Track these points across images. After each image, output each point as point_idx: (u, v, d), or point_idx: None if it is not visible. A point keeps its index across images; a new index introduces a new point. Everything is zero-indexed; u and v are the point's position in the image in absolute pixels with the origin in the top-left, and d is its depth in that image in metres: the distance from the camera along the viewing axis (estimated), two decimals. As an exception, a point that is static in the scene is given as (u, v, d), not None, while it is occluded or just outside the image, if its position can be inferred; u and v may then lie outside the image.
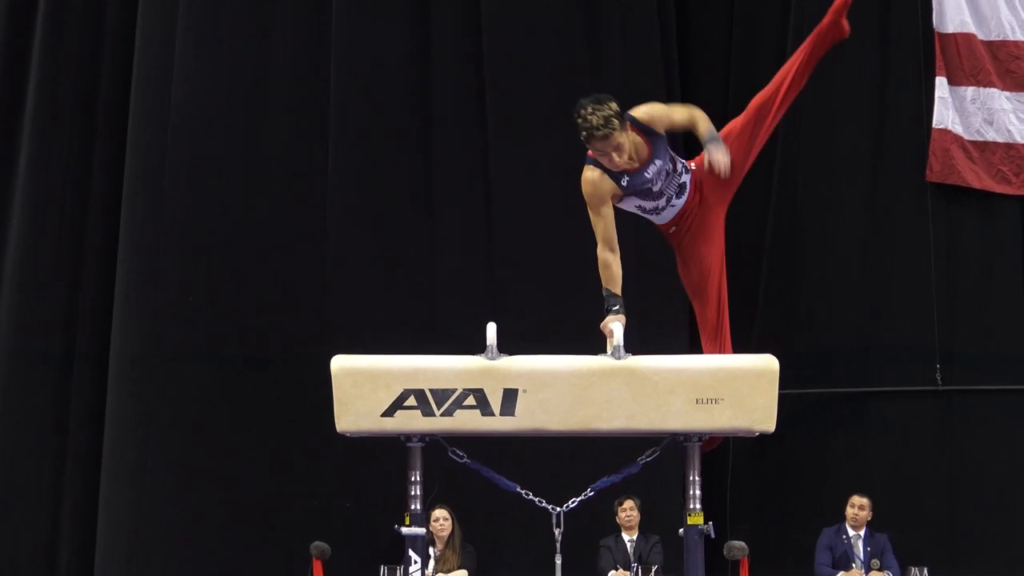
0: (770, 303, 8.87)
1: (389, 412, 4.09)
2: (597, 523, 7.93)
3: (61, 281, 8.60)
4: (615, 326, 4.20)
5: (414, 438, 4.18)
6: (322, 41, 8.65)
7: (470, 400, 4.08)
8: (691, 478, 4.25)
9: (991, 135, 8.84)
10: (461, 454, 4.26)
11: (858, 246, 8.90)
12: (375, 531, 7.81)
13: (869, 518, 8.14)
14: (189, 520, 8.28)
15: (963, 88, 8.82)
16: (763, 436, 4.21)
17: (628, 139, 4.31)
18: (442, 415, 4.08)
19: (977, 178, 8.80)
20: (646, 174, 4.38)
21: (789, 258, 8.93)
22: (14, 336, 8.51)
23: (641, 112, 4.40)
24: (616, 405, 4.09)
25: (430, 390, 4.08)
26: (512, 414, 4.08)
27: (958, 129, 8.81)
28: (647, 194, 4.41)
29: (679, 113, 4.50)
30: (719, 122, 8.99)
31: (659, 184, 4.40)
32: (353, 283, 8.53)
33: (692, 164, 4.51)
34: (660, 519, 7.91)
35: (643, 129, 4.38)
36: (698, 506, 4.23)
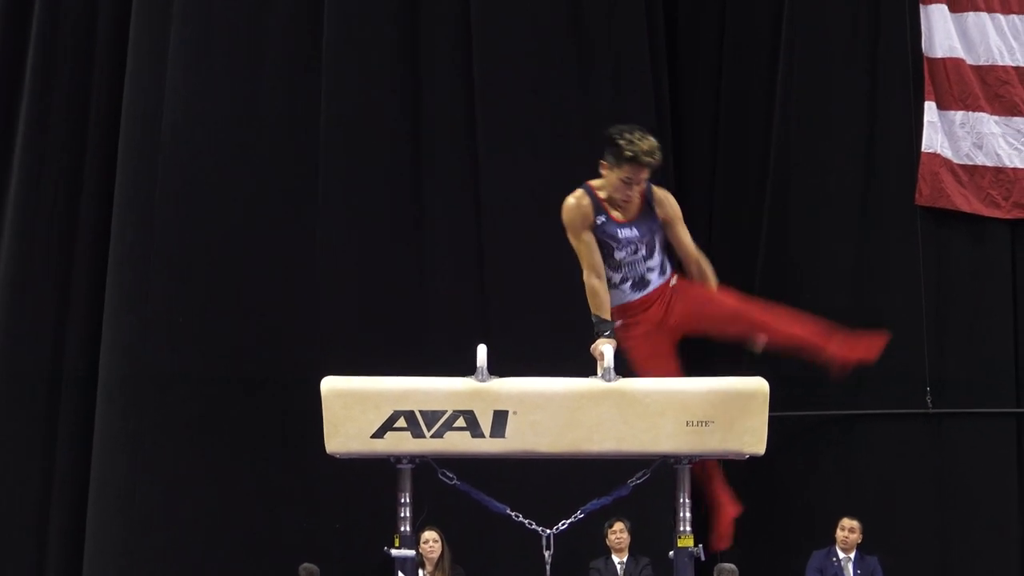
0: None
1: (379, 433, 4.08)
2: (587, 545, 7.92)
3: (49, 302, 8.59)
4: (606, 348, 4.19)
5: (404, 460, 4.17)
6: (312, 66, 8.67)
7: (460, 422, 4.07)
8: (681, 500, 4.24)
9: (980, 159, 8.88)
10: (451, 476, 4.25)
11: (848, 269, 8.92)
12: (364, 553, 7.79)
13: (859, 541, 8.13)
14: (178, 542, 8.26)
15: (952, 112, 8.86)
16: (753, 459, 4.21)
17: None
18: (432, 437, 4.07)
19: (966, 202, 8.83)
20: (620, 231, 4.32)
21: (780, 280, 8.93)
22: (2, 357, 8.49)
23: (659, 190, 4.39)
24: (607, 427, 4.09)
25: (420, 411, 4.07)
26: (502, 436, 4.07)
27: (947, 153, 8.84)
28: (607, 255, 4.33)
29: (689, 238, 4.46)
30: (708, 145, 8.98)
31: (623, 254, 4.33)
32: (343, 305, 8.53)
33: (675, 277, 4.45)
34: (650, 541, 7.89)
35: (648, 196, 4.35)
36: (688, 528, 4.23)
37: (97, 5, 8.81)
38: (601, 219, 4.32)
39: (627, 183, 4.26)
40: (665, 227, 4.39)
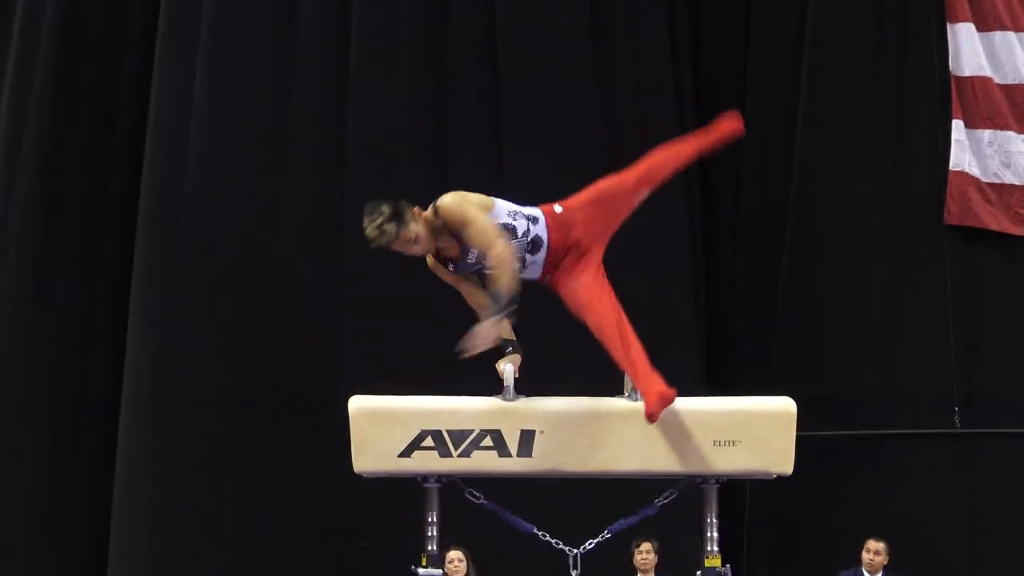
0: (788, 345, 8.86)
1: (406, 452, 4.09)
2: (614, 565, 7.88)
3: (74, 322, 8.63)
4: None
5: (431, 479, 4.19)
6: (339, 87, 8.71)
7: (487, 441, 4.08)
8: (708, 520, 4.24)
9: (1008, 177, 8.86)
10: (478, 495, 4.26)
11: (876, 288, 8.89)
12: (391, 572, 7.79)
13: (885, 563, 8.09)
14: (203, 562, 8.26)
15: (980, 131, 8.84)
16: (781, 478, 4.20)
17: (422, 228, 4.19)
18: (459, 456, 4.09)
19: (995, 220, 8.80)
20: (469, 259, 4.25)
21: (807, 299, 8.92)
22: (26, 376, 8.53)
23: (444, 204, 4.25)
24: (633, 447, 4.09)
25: (447, 431, 4.08)
26: (529, 455, 4.09)
27: (975, 171, 8.82)
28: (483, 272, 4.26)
29: (479, 237, 4.18)
30: (732, 163, 8.96)
31: (481, 268, 4.26)
32: (370, 324, 8.54)
33: (541, 211, 4.27)
34: (677, 561, 7.85)
35: (437, 224, 4.26)
36: (715, 548, 4.22)
37: (125, 23, 8.85)
38: (451, 268, 4.33)
39: (406, 252, 4.26)
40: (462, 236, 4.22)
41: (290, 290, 8.61)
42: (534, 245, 4.25)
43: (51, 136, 8.70)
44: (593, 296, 4.25)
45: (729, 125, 4.62)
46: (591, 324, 4.25)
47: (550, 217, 4.27)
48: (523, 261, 4.24)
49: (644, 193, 4.38)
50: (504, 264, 4.09)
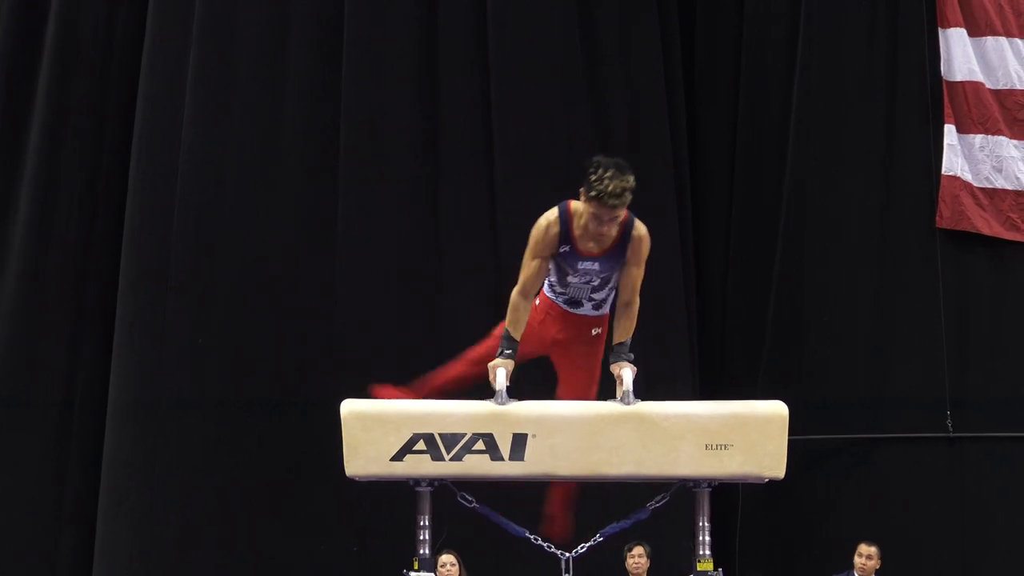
0: (779, 349, 8.87)
1: (398, 456, 4.09)
2: (606, 569, 7.89)
3: (63, 325, 8.61)
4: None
5: (423, 482, 4.19)
6: (331, 90, 8.71)
7: (479, 444, 4.08)
8: (701, 524, 4.24)
9: (1000, 182, 8.88)
10: (470, 499, 4.26)
11: (868, 292, 8.91)
12: (382, 576, 7.79)
13: (877, 566, 8.09)
14: (190, 564, 8.24)
15: (972, 136, 8.86)
16: (773, 482, 4.21)
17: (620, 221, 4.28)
18: (451, 459, 4.09)
19: (987, 225, 8.83)
20: (581, 264, 4.33)
21: (799, 303, 8.93)
22: (15, 379, 8.52)
23: (641, 230, 4.35)
24: (625, 450, 4.10)
25: (440, 434, 4.08)
26: (521, 459, 4.09)
27: (967, 176, 8.84)
28: (561, 278, 4.38)
29: (637, 280, 4.39)
30: (725, 169, 8.99)
31: (577, 279, 4.36)
32: (362, 328, 8.54)
33: (603, 327, 4.50)
34: (670, 565, 7.86)
35: (626, 233, 4.33)
36: (708, 552, 4.23)
37: (114, 29, 8.84)
38: (564, 248, 4.33)
39: (596, 219, 4.25)
40: (625, 264, 4.37)
41: (280, 295, 8.60)
42: (576, 303, 4.53)
43: (42, 145, 8.69)
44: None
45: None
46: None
47: (598, 319, 4.53)
48: (561, 296, 4.50)
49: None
50: (635, 318, 4.37)
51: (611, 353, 4.34)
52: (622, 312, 4.38)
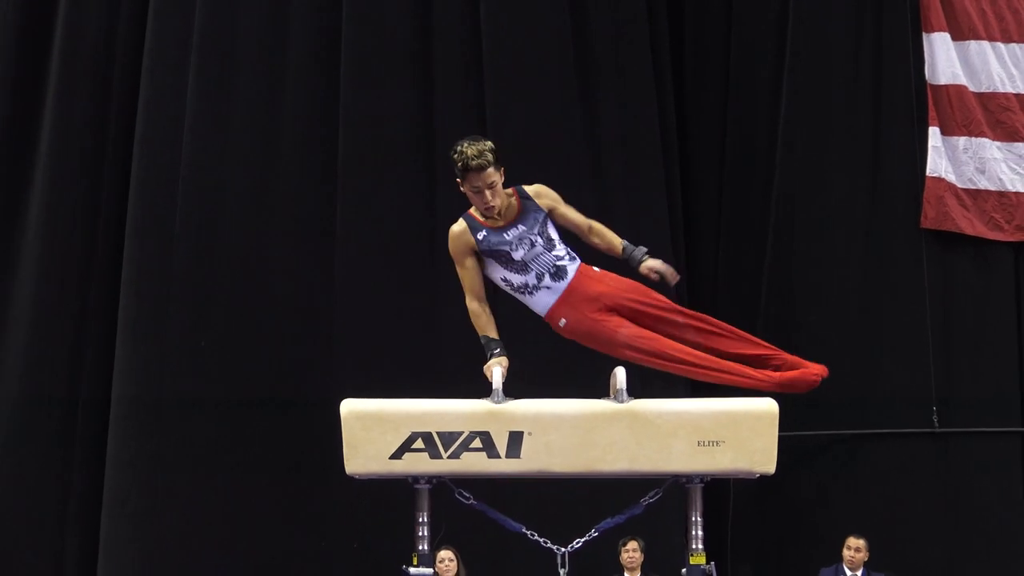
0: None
1: (397, 454, 4.08)
2: (601, 563, 7.89)
3: (68, 327, 8.61)
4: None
5: (421, 480, 4.18)
6: (330, 99, 8.71)
7: (476, 443, 4.07)
8: (693, 519, 4.24)
9: (983, 183, 8.88)
10: (468, 495, 4.25)
11: (855, 291, 8.92)
12: (382, 572, 7.77)
13: (866, 559, 8.10)
14: (192, 561, 8.23)
15: (955, 138, 8.87)
16: (763, 477, 4.20)
17: (501, 184, 4.28)
18: (449, 457, 4.08)
19: (970, 225, 8.83)
20: (505, 235, 4.31)
21: (788, 303, 8.94)
22: (20, 380, 8.50)
23: (532, 187, 4.39)
24: (619, 447, 4.09)
25: (437, 433, 4.07)
26: (518, 456, 4.08)
27: (951, 177, 8.85)
28: (507, 261, 4.31)
29: (576, 213, 4.41)
30: (714, 171, 8.96)
31: (521, 252, 4.30)
32: (361, 328, 8.53)
33: (576, 260, 4.37)
34: (663, 559, 7.87)
35: (523, 196, 4.35)
36: (700, 546, 4.22)
37: (115, 37, 8.83)
38: (481, 234, 4.33)
39: (477, 191, 4.27)
40: (551, 215, 4.36)
41: (280, 296, 8.60)
42: (558, 271, 4.34)
43: (50, 153, 8.69)
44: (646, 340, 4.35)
45: (810, 372, 4.58)
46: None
47: (584, 266, 4.38)
48: (540, 278, 4.33)
49: (686, 331, 4.45)
50: (608, 229, 4.38)
51: (628, 260, 4.35)
52: (596, 234, 4.41)
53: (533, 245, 4.32)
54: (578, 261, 4.37)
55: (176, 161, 8.58)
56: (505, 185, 4.33)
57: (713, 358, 4.39)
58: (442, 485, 4.20)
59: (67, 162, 8.72)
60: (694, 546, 4.22)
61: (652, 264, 4.35)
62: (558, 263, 4.33)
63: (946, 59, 8.86)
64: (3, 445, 8.48)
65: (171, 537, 8.24)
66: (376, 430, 4.08)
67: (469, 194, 4.31)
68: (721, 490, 8.29)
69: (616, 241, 4.42)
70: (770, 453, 4.12)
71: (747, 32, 9.20)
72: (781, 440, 4.15)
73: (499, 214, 4.32)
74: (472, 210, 4.36)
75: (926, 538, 8.57)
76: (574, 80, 8.80)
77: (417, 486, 4.19)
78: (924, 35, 8.88)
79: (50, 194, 8.68)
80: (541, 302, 4.37)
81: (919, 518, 8.60)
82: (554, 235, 4.36)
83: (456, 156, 4.26)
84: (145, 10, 8.74)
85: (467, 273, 4.35)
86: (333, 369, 8.39)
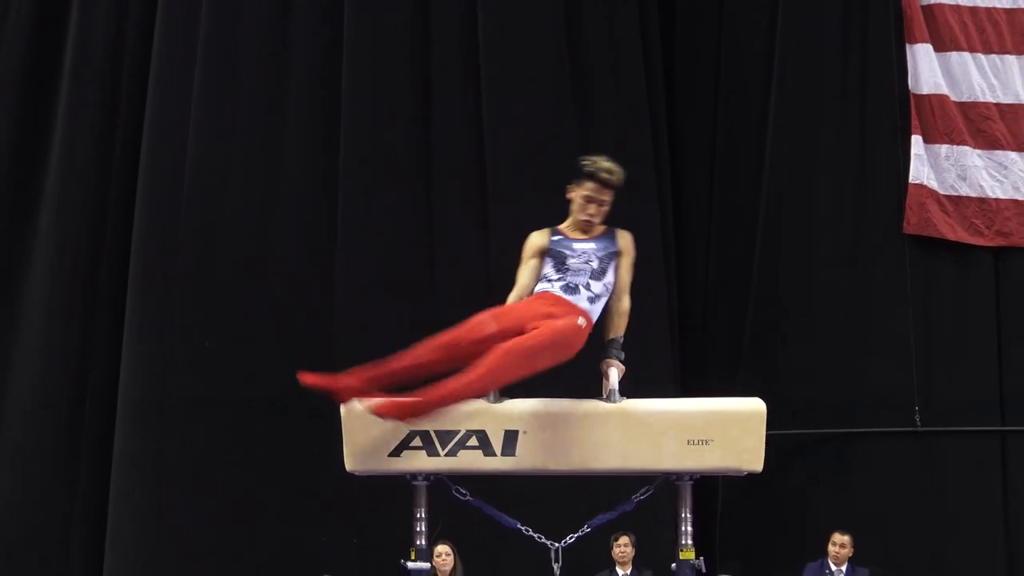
0: (757, 350, 8.88)
1: (396, 452, 4.09)
2: (594, 558, 7.89)
3: (75, 329, 8.60)
4: (612, 371, 4.19)
5: (419, 477, 4.18)
6: (331, 107, 8.71)
7: (473, 441, 4.08)
8: (683, 515, 4.24)
9: (964, 190, 8.90)
10: (464, 492, 4.25)
11: (841, 294, 8.92)
12: (381, 566, 7.77)
13: (851, 554, 8.10)
14: (196, 556, 8.22)
15: (937, 146, 8.88)
16: (751, 475, 4.21)
17: (607, 209, 4.30)
18: (446, 455, 4.09)
19: (952, 230, 8.84)
20: (575, 244, 4.30)
21: (776, 306, 8.95)
22: (31, 380, 8.50)
23: (623, 231, 4.37)
24: (612, 446, 4.10)
25: (435, 431, 4.08)
26: (513, 454, 4.09)
27: (933, 184, 8.86)
28: (561, 262, 4.28)
29: (628, 277, 4.35)
30: (705, 178, 8.94)
31: (575, 260, 4.28)
32: (360, 330, 8.52)
33: (587, 323, 4.26)
34: (654, 554, 7.87)
35: (611, 230, 4.36)
36: (690, 542, 4.23)
37: (124, 43, 8.84)
38: (557, 237, 4.33)
39: (588, 200, 4.28)
40: (617, 259, 4.34)
41: (282, 299, 8.60)
42: (575, 292, 4.27)
43: (57, 157, 8.68)
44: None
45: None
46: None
47: (589, 323, 4.28)
48: (564, 285, 4.27)
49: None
50: (626, 315, 4.33)
51: (603, 349, 4.32)
52: (614, 308, 4.34)
53: (588, 262, 4.28)
54: (592, 315, 4.26)
55: (181, 168, 8.58)
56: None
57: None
58: (439, 482, 4.21)
59: (76, 168, 8.71)
60: (684, 542, 4.23)
61: (610, 370, 4.21)
62: (581, 289, 4.24)
63: (929, 69, 8.87)
64: (15, 442, 8.47)
65: (174, 531, 8.24)
66: (375, 428, 4.09)
67: (578, 200, 4.29)
68: (710, 487, 8.30)
69: (617, 331, 4.32)
70: (758, 452, 4.13)
71: (737, 42, 9.21)
72: (768, 439, 4.16)
73: (585, 232, 4.32)
74: (562, 226, 4.35)
75: (909, 534, 8.58)
76: (569, 87, 8.81)
77: (415, 483, 4.20)
78: (907, 46, 8.89)
79: (60, 199, 8.68)
80: (582, 300, 4.27)
81: (902, 515, 8.61)
82: (610, 276, 4.30)
83: (589, 163, 4.28)
84: (153, 19, 8.74)
85: (525, 271, 4.31)
86: (333, 369, 8.37)
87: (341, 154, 8.67)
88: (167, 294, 8.50)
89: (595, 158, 4.30)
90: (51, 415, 8.52)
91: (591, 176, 4.27)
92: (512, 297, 4.29)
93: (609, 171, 4.27)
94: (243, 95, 8.74)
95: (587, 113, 8.87)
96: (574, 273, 4.28)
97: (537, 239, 4.35)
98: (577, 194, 4.31)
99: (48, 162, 8.74)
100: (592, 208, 4.29)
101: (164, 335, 8.42)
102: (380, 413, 3.95)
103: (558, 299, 4.22)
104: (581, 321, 4.20)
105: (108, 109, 8.79)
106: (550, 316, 4.14)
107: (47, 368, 8.56)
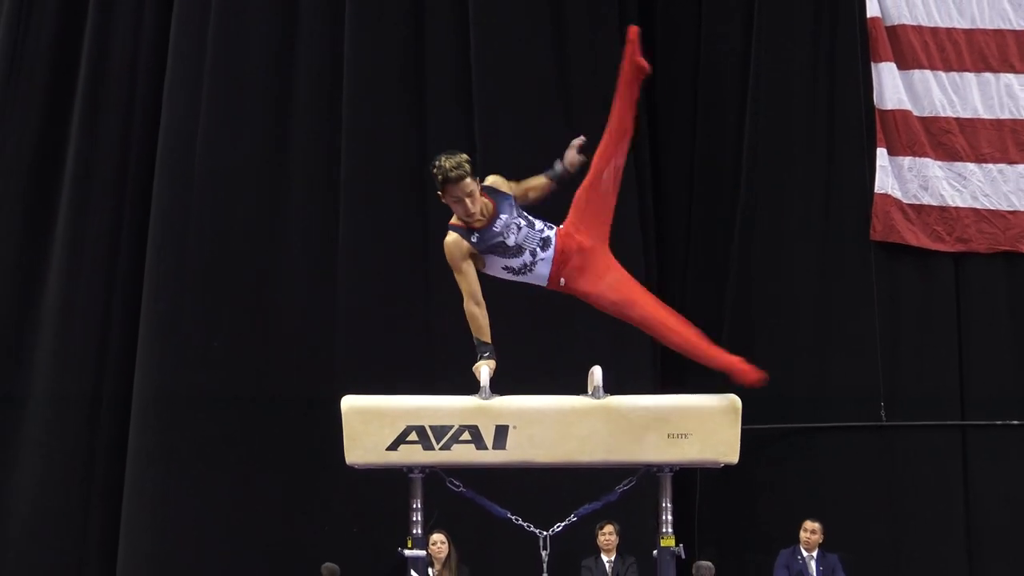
0: (733, 348, 8.84)
1: (393, 446, 4.08)
2: (579, 545, 7.89)
3: (92, 330, 8.58)
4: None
5: (415, 470, 4.17)
6: (334, 122, 8.71)
7: (466, 435, 4.07)
8: (664, 504, 4.24)
9: (926, 199, 8.91)
10: (458, 484, 4.24)
11: (811, 296, 8.93)
12: (379, 554, 7.76)
13: (821, 541, 8.11)
14: (206, 546, 8.20)
15: (901, 158, 8.90)
16: (728, 467, 4.21)
17: (478, 192, 4.19)
18: (441, 449, 4.07)
19: (915, 237, 8.86)
20: (494, 228, 4.20)
21: (750, 307, 8.95)
22: (49, 379, 8.47)
23: (489, 179, 4.30)
24: (596, 440, 4.09)
25: (430, 426, 4.07)
26: (503, 448, 4.08)
27: (897, 194, 8.88)
28: (504, 250, 4.22)
29: (515, 184, 4.33)
30: (685, 188, 8.94)
31: (513, 237, 4.21)
32: (361, 331, 8.52)
33: (553, 227, 4.28)
34: (636, 541, 7.87)
35: (489, 191, 4.26)
36: (670, 530, 4.23)
37: (137, 64, 8.83)
38: (474, 237, 4.22)
39: (457, 201, 4.18)
40: (519, 197, 4.28)
41: (286, 302, 8.59)
42: (544, 242, 4.25)
43: (77, 169, 8.68)
44: (631, 292, 4.27)
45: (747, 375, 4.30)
46: (637, 318, 4.25)
47: (559, 228, 4.29)
48: (534, 255, 4.23)
49: (610, 176, 4.34)
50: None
51: (557, 178, 4.34)
52: (530, 189, 4.35)
53: (520, 228, 4.22)
54: (554, 227, 4.26)
55: (192, 178, 8.57)
56: None
57: (675, 320, 4.28)
58: (434, 474, 4.20)
59: (94, 177, 8.71)
60: (664, 529, 4.22)
61: (571, 159, 4.30)
62: (542, 235, 4.23)
63: (893, 87, 8.89)
64: (36, 437, 8.45)
65: (185, 522, 8.21)
66: (374, 424, 4.08)
67: (451, 205, 4.21)
68: (689, 478, 8.29)
69: (543, 179, 4.33)
70: (733, 445, 4.13)
71: (714, 59, 9.21)
72: (743, 433, 4.15)
73: (480, 216, 4.22)
74: (454, 219, 4.25)
75: (874, 521, 8.58)
76: (558, 105, 8.81)
77: (411, 475, 4.19)
78: (873, 65, 8.91)
79: (78, 207, 8.67)
80: (540, 274, 4.26)
81: (868, 503, 8.61)
82: (528, 214, 4.28)
83: (436, 170, 4.17)
84: (166, 37, 8.74)
85: (465, 278, 4.22)
86: (335, 368, 8.38)
87: (342, 167, 8.67)
88: (179, 297, 8.48)
89: (439, 163, 4.17)
90: (70, 412, 8.49)
91: (445, 182, 4.16)
92: (471, 305, 4.19)
93: (454, 167, 4.13)
94: (249, 111, 8.73)
95: (572, 126, 8.86)
96: (527, 240, 4.22)
97: (457, 245, 4.21)
98: (448, 200, 4.21)
99: (66, 172, 8.72)
100: (467, 204, 4.18)
101: (175, 336, 8.39)
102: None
103: (564, 242, 4.22)
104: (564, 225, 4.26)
105: (123, 123, 8.79)
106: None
107: (66, 368, 8.53)
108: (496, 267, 4.28)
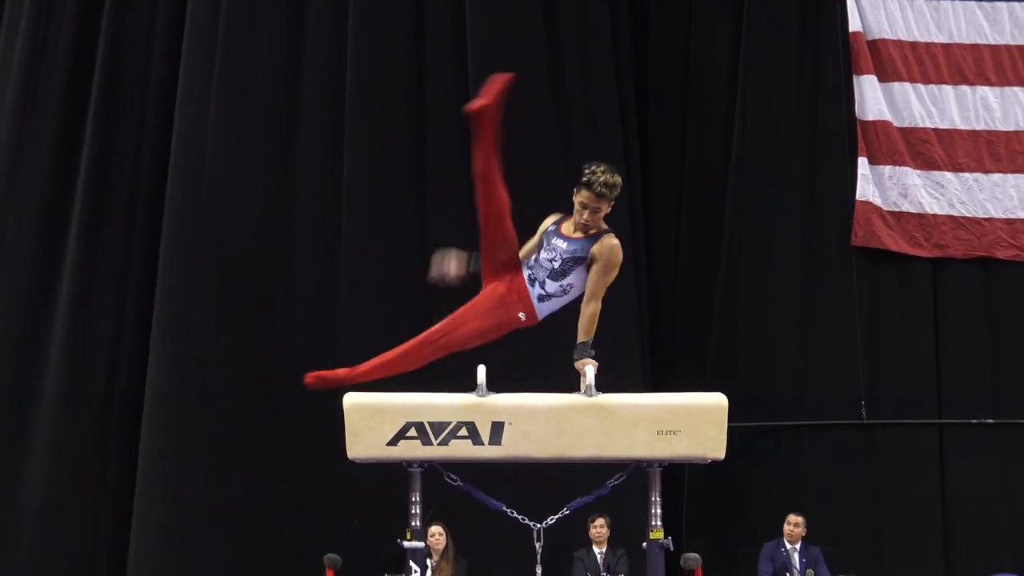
0: (720, 348, 8.88)
1: (393, 442, 4.08)
2: (572, 538, 7.88)
3: (105, 330, 8.57)
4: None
5: (415, 464, 4.17)
6: (337, 129, 8.70)
7: (463, 431, 4.07)
8: (653, 499, 4.23)
9: (905, 207, 8.92)
10: (455, 478, 4.24)
11: (795, 300, 8.93)
12: (380, 546, 7.75)
13: (804, 534, 8.10)
14: (214, 537, 8.18)
15: (881, 167, 8.90)
16: (714, 463, 4.20)
17: (603, 215, 4.23)
18: (439, 444, 4.07)
19: (895, 243, 8.86)
20: (555, 238, 4.27)
21: (737, 309, 8.94)
22: (63, 376, 8.46)
23: (608, 239, 4.25)
24: (588, 436, 4.09)
25: (429, 423, 4.07)
26: (499, 443, 4.08)
27: (878, 201, 8.88)
28: (538, 255, 4.30)
29: (595, 287, 4.22)
30: (673, 196, 8.93)
31: (545, 254, 4.25)
32: (362, 331, 8.50)
33: (544, 309, 4.28)
34: (626, 534, 7.86)
35: (597, 235, 4.25)
36: (659, 523, 4.22)
37: (149, 77, 8.83)
38: (552, 228, 4.32)
39: (583, 207, 4.21)
40: (589, 265, 4.25)
41: (291, 303, 8.57)
42: (535, 285, 4.31)
43: (91, 176, 8.67)
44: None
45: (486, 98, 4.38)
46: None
47: (534, 314, 4.33)
48: (530, 278, 4.30)
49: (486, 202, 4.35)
50: (595, 319, 4.19)
51: (575, 351, 4.29)
52: (583, 312, 4.27)
53: (552, 260, 4.24)
54: (540, 307, 4.25)
55: (202, 184, 8.57)
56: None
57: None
58: (433, 469, 4.19)
59: (108, 184, 8.70)
60: (654, 523, 4.22)
61: (587, 368, 4.17)
62: (540, 289, 4.25)
63: (873, 98, 8.89)
64: (50, 434, 8.42)
65: (195, 516, 8.19)
66: (375, 420, 4.08)
67: (576, 204, 4.24)
68: (677, 474, 8.29)
69: (584, 335, 4.24)
70: (720, 441, 4.12)
71: (703, 71, 9.21)
72: (730, 430, 4.15)
73: (579, 231, 4.25)
74: (568, 218, 4.31)
75: (855, 516, 8.58)
76: (551, 112, 8.81)
77: (411, 469, 4.18)
78: (855, 77, 8.91)
79: (93, 212, 8.66)
80: (541, 280, 4.31)
81: (849, 499, 8.61)
82: (572, 279, 4.23)
83: (589, 172, 4.20)
84: (178, 51, 8.73)
85: (531, 241, 4.35)
86: (338, 367, 8.33)
87: (345, 172, 8.66)
88: (189, 298, 8.46)
89: (596, 168, 4.20)
90: (83, 409, 8.47)
91: (587, 186, 4.19)
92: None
93: (604, 184, 4.16)
94: (257, 120, 8.73)
95: (566, 137, 8.86)
96: (540, 267, 4.27)
97: (545, 222, 4.34)
98: (576, 199, 4.24)
99: (80, 178, 8.71)
100: (586, 214, 4.22)
101: (185, 336, 8.38)
102: (309, 383, 4.16)
103: (521, 292, 4.22)
104: (521, 315, 4.22)
105: (136, 133, 8.79)
106: (500, 306, 4.17)
107: (80, 366, 8.51)
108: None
